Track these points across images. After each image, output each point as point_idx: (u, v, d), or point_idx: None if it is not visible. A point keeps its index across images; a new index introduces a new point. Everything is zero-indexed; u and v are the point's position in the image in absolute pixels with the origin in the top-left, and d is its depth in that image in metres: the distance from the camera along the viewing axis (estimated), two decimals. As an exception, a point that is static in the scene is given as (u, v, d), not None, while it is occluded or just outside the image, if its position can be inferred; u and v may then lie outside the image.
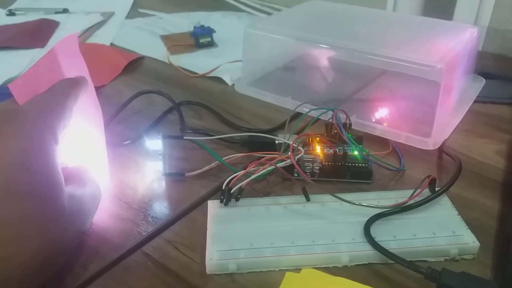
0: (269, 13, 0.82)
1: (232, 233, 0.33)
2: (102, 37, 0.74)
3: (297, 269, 0.31)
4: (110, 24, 0.79)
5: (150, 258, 0.33)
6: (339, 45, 0.47)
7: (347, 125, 0.42)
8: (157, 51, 0.66)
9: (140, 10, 0.86)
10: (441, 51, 0.43)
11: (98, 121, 0.39)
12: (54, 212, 0.28)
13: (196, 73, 0.59)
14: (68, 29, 0.75)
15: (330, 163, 0.39)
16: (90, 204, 0.32)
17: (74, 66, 0.40)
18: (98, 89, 0.57)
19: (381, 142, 0.44)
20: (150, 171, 0.41)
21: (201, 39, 0.66)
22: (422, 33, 0.49)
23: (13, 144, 0.28)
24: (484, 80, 0.53)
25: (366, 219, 0.33)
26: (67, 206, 0.29)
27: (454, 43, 0.45)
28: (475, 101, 0.50)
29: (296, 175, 0.39)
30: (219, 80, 0.58)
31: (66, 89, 0.34)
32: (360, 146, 0.40)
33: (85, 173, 0.34)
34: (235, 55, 0.57)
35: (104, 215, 0.36)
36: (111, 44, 0.71)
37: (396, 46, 0.45)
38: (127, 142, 0.45)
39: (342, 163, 0.39)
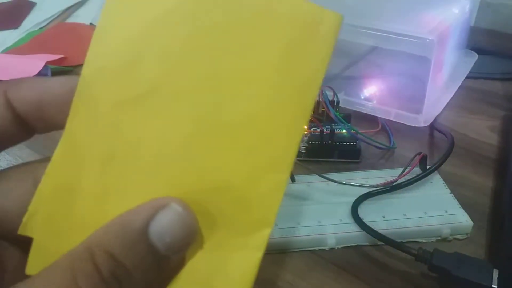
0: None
1: (213, 217, 0.31)
2: (81, 18, 0.71)
3: (281, 253, 0.30)
4: (90, 4, 0.76)
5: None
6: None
7: (335, 103, 0.40)
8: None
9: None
10: (431, 23, 0.41)
11: None
12: None
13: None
14: (45, 9, 0.72)
15: (317, 142, 0.37)
16: None
17: None
18: (75, 68, 0.54)
19: (370, 120, 0.42)
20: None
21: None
22: (413, 6, 0.47)
23: None
24: (476, 55, 0.51)
25: (354, 199, 0.32)
26: None
27: (445, 16, 0.43)
28: (468, 77, 0.48)
29: (281, 155, 0.37)
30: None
31: None
32: (349, 124, 0.39)
33: None
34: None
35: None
36: (91, 24, 0.68)
37: (385, 19, 0.42)
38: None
39: (329, 142, 0.37)
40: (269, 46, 0.17)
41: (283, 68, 0.17)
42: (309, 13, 0.17)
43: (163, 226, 0.15)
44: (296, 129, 0.17)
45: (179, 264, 0.16)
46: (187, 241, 0.16)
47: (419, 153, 0.34)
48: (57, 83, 0.18)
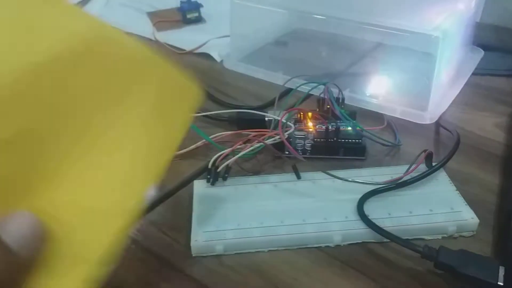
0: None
1: (219, 213, 0.32)
2: (86, 15, 0.71)
3: (287, 249, 0.30)
4: (93, 3, 0.76)
5: (133, 241, 0.31)
6: (331, 15, 0.44)
7: (340, 100, 0.40)
8: (143, 28, 0.63)
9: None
10: (437, 19, 0.41)
11: None
12: None
13: (183, 50, 0.57)
14: (51, 7, 0.72)
15: (322, 140, 0.37)
16: None
17: None
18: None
19: (375, 117, 0.42)
20: (134, 151, 0.39)
21: (188, 14, 0.63)
22: (418, 1, 0.46)
23: None
24: (482, 52, 0.51)
25: (360, 196, 0.32)
26: None
27: (451, 12, 0.43)
28: (474, 74, 0.48)
29: (287, 152, 0.37)
30: (207, 56, 0.56)
31: None
32: (354, 121, 0.39)
33: None
34: (224, 30, 0.54)
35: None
36: (96, 22, 0.68)
37: (390, 15, 0.42)
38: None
39: (335, 139, 0.37)
40: (137, 106, 0.20)
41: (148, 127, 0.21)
42: (179, 83, 0.22)
43: (14, 227, 0.17)
44: (141, 186, 0.20)
45: (30, 264, 0.17)
46: (36, 242, 0.17)
47: (424, 150, 0.34)
48: None
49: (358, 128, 0.38)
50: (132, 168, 0.20)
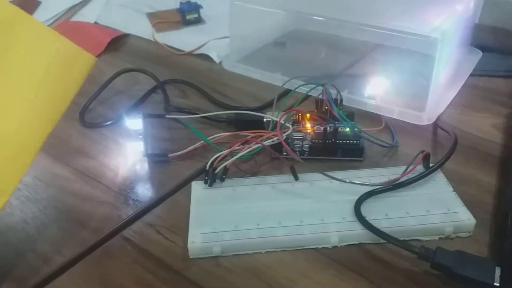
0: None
1: (216, 215, 0.32)
2: (86, 16, 0.71)
3: (284, 251, 0.30)
4: (95, 2, 0.76)
5: (130, 243, 0.31)
6: (330, 16, 0.44)
7: (338, 101, 0.40)
8: (142, 29, 0.64)
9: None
10: (436, 21, 0.41)
11: None
12: None
13: (182, 51, 0.57)
14: (50, 8, 0.72)
15: (320, 141, 0.38)
16: None
17: None
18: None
19: (373, 118, 0.42)
20: (132, 152, 0.40)
21: (187, 15, 0.63)
22: (417, 3, 0.47)
23: None
24: (480, 53, 0.51)
25: (357, 197, 0.32)
26: None
27: (449, 13, 0.43)
28: (472, 75, 0.48)
29: (285, 153, 0.37)
30: (206, 57, 0.56)
31: None
32: (352, 122, 0.39)
33: None
34: (223, 31, 0.54)
35: (80, 199, 0.34)
36: (95, 22, 0.68)
37: (389, 17, 0.42)
38: (108, 122, 0.43)
39: (333, 140, 0.37)
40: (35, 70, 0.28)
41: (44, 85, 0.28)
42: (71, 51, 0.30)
43: None
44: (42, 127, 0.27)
45: None
46: None
47: (422, 151, 0.34)
48: None
49: (356, 129, 0.38)
50: (32, 111, 0.28)
